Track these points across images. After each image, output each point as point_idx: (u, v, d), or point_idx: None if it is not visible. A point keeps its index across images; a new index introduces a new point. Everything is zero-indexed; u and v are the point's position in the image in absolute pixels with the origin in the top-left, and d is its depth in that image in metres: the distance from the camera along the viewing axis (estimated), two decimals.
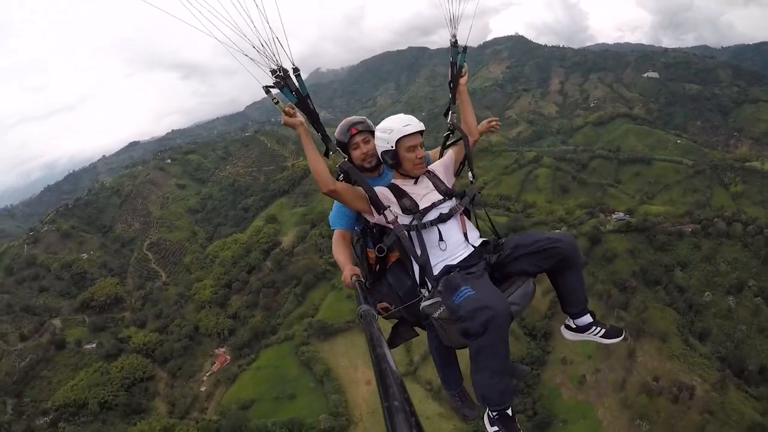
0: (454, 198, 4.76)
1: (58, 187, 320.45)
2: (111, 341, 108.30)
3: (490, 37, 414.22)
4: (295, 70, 4.10)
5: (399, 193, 4.65)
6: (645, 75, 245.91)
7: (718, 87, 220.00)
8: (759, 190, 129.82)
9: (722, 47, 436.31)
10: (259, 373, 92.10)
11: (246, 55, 3.72)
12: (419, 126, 4.67)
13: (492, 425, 4.00)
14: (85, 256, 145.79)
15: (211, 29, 3.46)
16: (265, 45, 3.77)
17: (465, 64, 5.51)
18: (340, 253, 5.06)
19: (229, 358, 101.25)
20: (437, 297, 4.15)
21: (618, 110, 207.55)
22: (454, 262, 4.43)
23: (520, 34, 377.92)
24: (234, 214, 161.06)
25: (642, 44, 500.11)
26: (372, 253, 4.84)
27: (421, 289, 4.45)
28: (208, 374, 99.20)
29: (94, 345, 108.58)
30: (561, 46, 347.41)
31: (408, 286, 4.68)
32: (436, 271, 4.36)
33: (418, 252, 4.38)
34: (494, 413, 3.97)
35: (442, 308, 4.06)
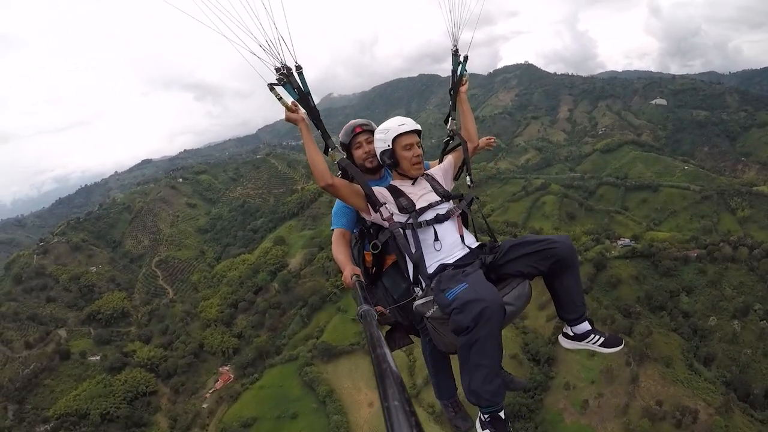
0: (451, 200, 4.84)
1: (69, 200, 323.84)
2: (115, 354, 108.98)
3: (500, 65, 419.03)
4: (298, 68, 4.21)
5: (397, 193, 4.73)
6: (653, 102, 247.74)
7: (725, 112, 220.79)
8: (766, 215, 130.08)
9: (730, 73, 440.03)
10: (262, 392, 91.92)
11: (253, 53, 3.85)
12: (415, 126, 4.86)
13: (483, 429, 3.97)
14: (93, 269, 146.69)
15: (222, 29, 3.63)
16: (271, 44, 3.89)
17: (466, 72, 5.55)
18: (340, 252, 5.06)
19: (232, 376, 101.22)
20: (430, 295, 4.17)
21: (626, 137, 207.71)
22: (449, 262, 4.51)
23: (530, 62, 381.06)
24: (243, 234, 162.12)
25: (650, 71, 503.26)
26: (369, 256, 4.96)
27: (415, 288, 4.43)
28: (210, 391, 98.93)
29: (98, 357, 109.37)
30: (570, 74, 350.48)
31: (403, 289, 4.73)
32: (430, 270, 4.41)
33: (413, 250, 4.42)
34: (486, 415, 3.92)
35: (435, 307, 4.06)
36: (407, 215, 4.54)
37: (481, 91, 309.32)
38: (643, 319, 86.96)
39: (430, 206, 4.64)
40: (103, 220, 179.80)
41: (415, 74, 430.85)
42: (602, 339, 4.55)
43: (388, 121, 4.94)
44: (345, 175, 4.75)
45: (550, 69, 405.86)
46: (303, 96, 4.26)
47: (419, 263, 4.34)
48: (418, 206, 4.61)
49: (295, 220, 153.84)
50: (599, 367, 75.38)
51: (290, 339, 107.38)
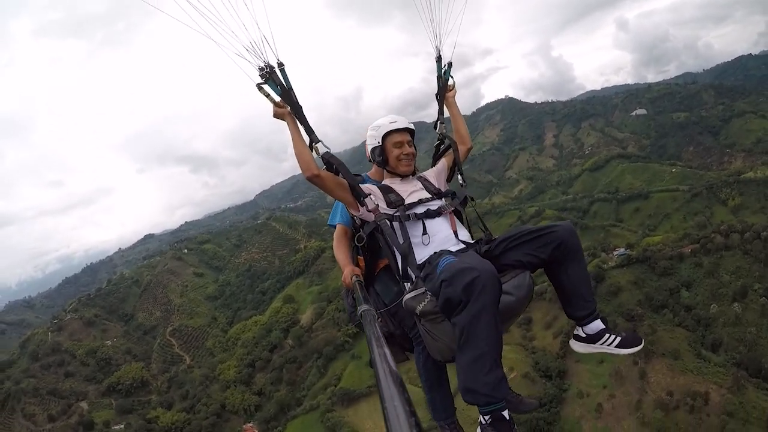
0: (443, 198, 4.67)
1: (76, 279, 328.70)
2: (139, 422, 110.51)
3: (483, 102, 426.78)
4: (280, 65, 4.20)
5: (386, 190, 4.58)
6: (633, 113, 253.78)
7: (704, 109, 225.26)
8: (757, 199, 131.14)
9: (704, 70, 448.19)
10: None
11: (238, 55, 3.93)
12: (406, 123, 4.76)
13: None
14: (109, 342, 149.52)
15: (206, 31, 3.74)
16: (254, 44, 3.94)
17: (452, 78, 5.48)
18: (340, 251, 4.95)
19: (257, 431, 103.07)
20: (420, 287, 3.80)
21: (612, 152, 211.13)
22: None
23: (510, 95, 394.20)
24: (252, 297, 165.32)
25: (628, 84, 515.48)
26: (362, 262, 4.76)
27: (405, 284, 4.13)
28: None
29: (122, 426, 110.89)
30: (550, 101, 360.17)
31: (394, 293, 4.51)
32: (420, 262, 4.09)
33: (401, 241, 4.18)
34: (487, 416, 3.31)
35: (426, 300, 3.65)
36: (395, 209, 4.37)
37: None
38: (646, 319, 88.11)
39: (420, 202, 4.47)
40: (113, 295, 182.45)
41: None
42: (619, 339, 4.01)
43: (380, 118, 4.90)
44: (329, 168, 4.45)
45: (531, 99, 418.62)
46: (286, 92, 4.25)
47: (408, 254, 4.06)
48: (407, 201, 4.46)
49: (302, 278, 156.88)
50: (608, 371, 77.07)
51: (309, 390, 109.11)
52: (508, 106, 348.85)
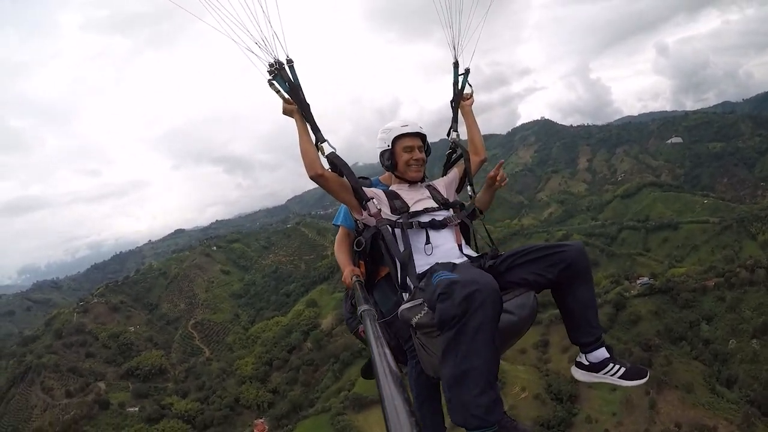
0: (451, 209, 4.47)
1: (104, 266, 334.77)
2: (153, 406, 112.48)
3: (519, 122, 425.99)
4: (289, 61, 4.14)
5: (392, 196, 4.42)
6: (669, 141, 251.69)
7: (740, 140, 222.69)
8: None
9: (743, 100, 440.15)
10: None
11: (250, 51, 3.90)
12: (418, 128, 4.58)
13: None
14: (132, 329, 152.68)
15: (220, 27, 3.72)
16: (266, 41, 3.90)
17: (470, 86, 5.33)
18: (341, 252, 4.89)
19: (267, 427, 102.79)
20: (418, 298, 3.53)
21: (645, 180, 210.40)
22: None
23: (546, 117, 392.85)
24: (276, 299, 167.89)
25: (665, 111, 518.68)
26: (362, 268, 4.56)
27: (404, 294, 3.87)
28: None
29: (136, 409, 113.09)
30: (586, 124, 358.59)
31: (393, 303, 4.24)
32: (420, 272, 3.83)
33: (401, 249, 3.97)
34: None
35: (423, 311, 3.34)
36: (398, 215, 4.21)
37: (501, 151, 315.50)
38: (663, 350, 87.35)
39: (425, 211, 4.28)
40: (140, 284, 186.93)
41: (437, 139, 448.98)
42: (623, 370, 3.78)
43: (392, 121, 4.71)
44: (334, 169, 4.31)
45: (568, 121, 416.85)
46: (293, 88, 4.17)
47: (407, 263, 3.87)
48: (412, 209, 4.28)
49: (326, 284, 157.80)
50: (619, 398, 76.07)
51: (323, 392, 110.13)
52: (543, 128, 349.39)
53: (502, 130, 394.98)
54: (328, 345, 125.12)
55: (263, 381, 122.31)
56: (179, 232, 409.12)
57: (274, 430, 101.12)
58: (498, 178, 4.44)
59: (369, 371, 3.78)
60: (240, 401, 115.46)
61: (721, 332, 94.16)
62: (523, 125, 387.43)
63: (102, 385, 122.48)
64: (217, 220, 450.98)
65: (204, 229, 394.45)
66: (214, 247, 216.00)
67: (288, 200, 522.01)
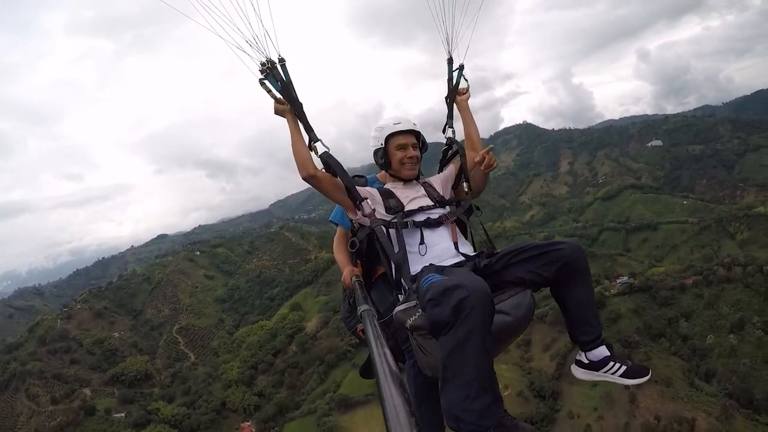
0: (447, 207, 4.46)
1: (87, 272, 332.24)
2: (140, 412, 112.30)
3: (502, 126, 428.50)
4: (281, 60, 4.08)
5: (387, 194, 4.41)
6: (649, 144, 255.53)
7: (720, 143, 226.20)
8: (765, 233, 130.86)
9: (723, 103, 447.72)
10: None
11: (240, 49, 3.86)
12: (411, 125, 4.57)
13: None
14: (116, 334, 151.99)
15: (211, 26, 3.70)
16: (257, 40, 3.88)
17: (466, 81, 5.27)
18: (340, 252, 4.87)
19: (254, 430, 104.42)
20: (413, 299, 3.50)
21: (625, 182, 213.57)
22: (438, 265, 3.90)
23: (528, 121, 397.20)
24: (260, 303, 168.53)
25: (647, 114, 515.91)
26: (360, 267, 4.55)
27: (399, 295, 3.83)
28: None
29: (122, 414, 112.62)
30: (568, 128, 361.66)
31: (390, 302, 4.12)
32: (414, 273, 3.80)
33: (395, 250, 3.94)
34: None
35: (417, 313, 3.32)
36: (393, 215, 4.21)
37: None
38: (642, 347, 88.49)
39: (420, 209, 4.29)
40: (123, 289, 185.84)
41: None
42: (624, 368, 3.74)
43: (385, 118, 4.71)
44: (327, 169, 4.26)
45: (550, 125, 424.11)
46: (285, 87, 4.13)
47: (401, 264, 3.82)
48: (407, 208, 4.29)
49: (310, 288, 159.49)
50: (599, 394, 77.14)
51: (308, 394, 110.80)
52: (525, 132, 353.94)
53: (485, 134, 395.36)
54: (312, 348, 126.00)
55: (249, 384, 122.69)
56: (162, 237, 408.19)
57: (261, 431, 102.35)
58: (484, 163, 4.27)
59: (367, 371, 4.18)
60: (226, 405, 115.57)
61: (699, 328, 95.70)
62: (506, 129, 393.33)
63: (87, 391, 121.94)
64: (200, 225, 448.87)
65: (187, 234, 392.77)
66: (198, 252, 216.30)
67: (271, 204, 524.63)
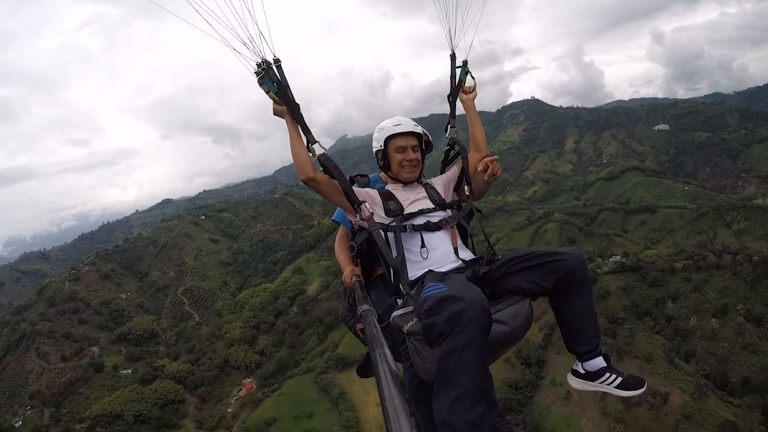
0: (448, 210, 4.36)
1: (92, 236, 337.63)
2: (146, 368, 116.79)
3: (510, 101, 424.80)
4: (276, 61, 4.02)
5: (387, 196, 4.34)
6: (656, 128, 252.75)
7: (726, 132, 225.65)
8: (761, 225, 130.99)
9: (734, 92, 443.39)
10: (281, 398, 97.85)
11: (236, 51, 3.83)
12: (411, 127, 4.50)
13: None
14: (123, 296, 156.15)
15: (207, 29, 3.67)
16: (253, 40, 3.81)
17: (473, 78, 5.11)
18: (341, 252, 4.78)
19: (255, 386, 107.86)
20: (410, 305, 3.45)
21: (629, 164, 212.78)
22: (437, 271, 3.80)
23: (537, 97, 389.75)
24: (263, 266, 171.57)
25: (656, 98, 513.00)
26: (359, 266, 4.50)
27: (397, 300, 3.74)
28: (234, 399, 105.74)
29: (129, 371, 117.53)
30: (576, 106, 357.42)
31: (388, 304, 4.02)
32: (413, 278, 3.77)
33: (394, 254, 3.90)
34: None
35: (414, 319, 3.23)
36: (392, 218, 4.13)
37: (490, 128, 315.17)
38: (627, 324, 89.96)
39: (420, 212, 4.19)
40: (130, 252, 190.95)
41: (426, 114, 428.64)
42: (619, 380, 3.64)
43: (387, 120, 4.60)
44: (326, 171, 4.15)
45: (558, 102, 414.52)
46: (281, 89, 4.06)
47: (399, 269, 3.75)
48: (406, 211, 4.19)
49: (312, 252, 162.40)
50: None
51: (308, 354, 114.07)
52: (533, 108, 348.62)
53: (492, 108, 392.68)
54: (313, 310, 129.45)
55: (251, 343, 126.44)
56: (166, 202, 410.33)
57: (261, 388, 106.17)
58: (488, 173, 4.40)
59: (364, 370, 4.33)
60: (229, 362, 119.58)
61: (684, 310, 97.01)
62: (513, 104, 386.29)
63: (95, 349, 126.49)
64: (204, 190, 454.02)
65: (191, 199, 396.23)
66: (203, 216, 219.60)
67: (276, 171, 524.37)
